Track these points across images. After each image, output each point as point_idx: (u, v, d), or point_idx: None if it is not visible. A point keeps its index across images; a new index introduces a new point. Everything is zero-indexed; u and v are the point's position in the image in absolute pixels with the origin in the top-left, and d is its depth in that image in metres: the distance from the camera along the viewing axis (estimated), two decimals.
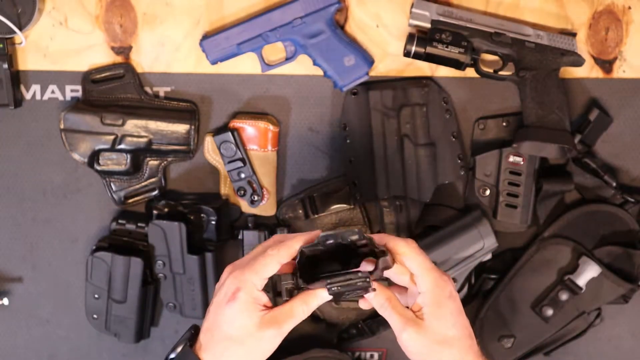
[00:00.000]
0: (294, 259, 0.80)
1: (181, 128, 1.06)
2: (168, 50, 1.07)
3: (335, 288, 0.77)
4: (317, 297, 0.82)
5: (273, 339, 0.81)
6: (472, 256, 1.07)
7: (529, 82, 1.04)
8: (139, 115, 1.05)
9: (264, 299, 0.81)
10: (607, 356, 1.17)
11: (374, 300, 0.82)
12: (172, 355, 0.82)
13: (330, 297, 0.81)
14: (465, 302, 1.10)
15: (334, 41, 1.04)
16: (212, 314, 0.82)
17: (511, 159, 1.08)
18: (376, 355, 1.15)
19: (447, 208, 1.11)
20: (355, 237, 0.76)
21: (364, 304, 0.84)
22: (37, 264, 1.13)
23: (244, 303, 0.80)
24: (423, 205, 1.08)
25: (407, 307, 0.83)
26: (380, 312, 0.82)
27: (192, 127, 1.06)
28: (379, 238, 0.83)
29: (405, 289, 0.85)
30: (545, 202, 1.10)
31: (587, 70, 1.09)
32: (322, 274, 0.80)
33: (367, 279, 0.77)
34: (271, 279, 0.82)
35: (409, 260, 0.82)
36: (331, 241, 0.77)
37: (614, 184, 1.08)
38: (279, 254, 0.81)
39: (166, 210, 1.07)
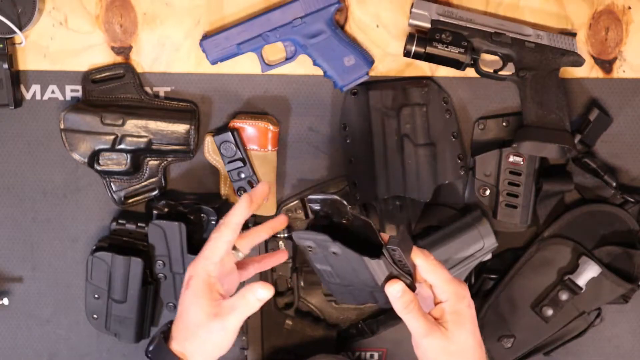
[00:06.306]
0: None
1: (181, 128, 1.06)
2: (168, 50, 1.07)
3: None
4: (252, 290, 0.82)
5: (220, 332, 0.83)
6: (472, 256, 1.07)
7: (529, 82, 1.04)
8: (139, 115, 1.05)
9: (218, 286, 0.84)
10: (607, 356, 1.16)
11: (399, 300, 0.80)
12: (150, 348, 0.86)
13: (268, 294, 0.82)
14: None
15: (334, 41, 1.04)
16: (179, 304, 0.87)
17: (511, 159, 1.08)
18: (376, 355, 1.15)
19: (447, 208, 1.11)
20: (344, 209, 0.79)
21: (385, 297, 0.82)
22: (37, 264, 1.13)
23: (195, 290, 0.84)
24: (423, 205, 1.08)
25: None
26: (403, 313, 0.80)
27: (192, 127, 1.06)
28: None
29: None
30: (545, 202, 1.09)
31: (587, 70, 1.09)
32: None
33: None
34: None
35: (428, 273, 0.82)
36: (317, 207, 0.78)
37: (614, 184, 1.08)
38: (221, 234, 0.85)
39: (166, 210, 1.07)
